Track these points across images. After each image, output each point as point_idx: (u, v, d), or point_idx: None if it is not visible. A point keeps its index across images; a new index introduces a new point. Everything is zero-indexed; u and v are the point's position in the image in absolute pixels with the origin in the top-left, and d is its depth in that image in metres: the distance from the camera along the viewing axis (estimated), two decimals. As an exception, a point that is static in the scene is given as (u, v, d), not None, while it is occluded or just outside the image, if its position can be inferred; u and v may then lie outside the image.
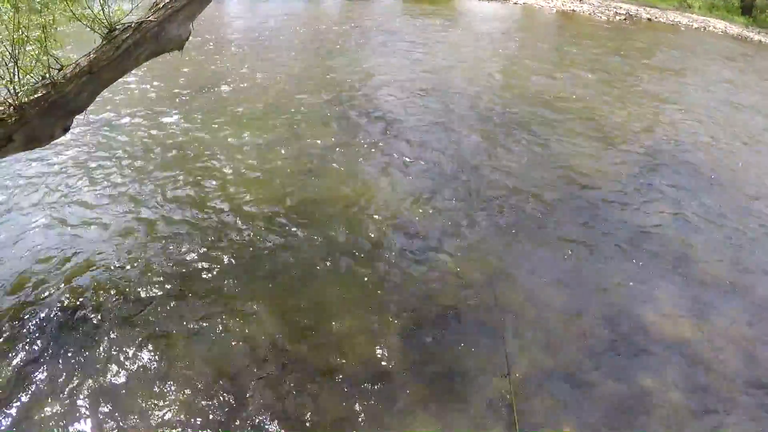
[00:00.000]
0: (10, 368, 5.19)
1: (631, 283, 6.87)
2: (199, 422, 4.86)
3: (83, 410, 4.87)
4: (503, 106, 11.79)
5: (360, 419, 4.99)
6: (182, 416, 4.90)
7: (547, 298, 6.53)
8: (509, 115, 11.35)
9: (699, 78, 15.52)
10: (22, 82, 5.08)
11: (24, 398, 4.93)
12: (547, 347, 5.87)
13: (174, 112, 10.36)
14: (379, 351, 5.70)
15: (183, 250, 6.83)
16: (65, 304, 5.89)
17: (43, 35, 4.93)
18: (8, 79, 4.96)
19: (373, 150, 9.61)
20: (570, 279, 6.88)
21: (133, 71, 6.48)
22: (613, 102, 12.64)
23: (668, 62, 16.72)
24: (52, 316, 5.76)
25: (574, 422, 5.09)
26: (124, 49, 5.58)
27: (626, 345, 6.02)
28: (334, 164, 9.03)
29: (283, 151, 9.27)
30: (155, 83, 11.52)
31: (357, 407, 5.10)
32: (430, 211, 7.95)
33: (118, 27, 5.51)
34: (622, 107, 12.38)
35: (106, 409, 4.88)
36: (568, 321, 6.26)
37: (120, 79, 6.21)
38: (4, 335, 5.50)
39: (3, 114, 5.15)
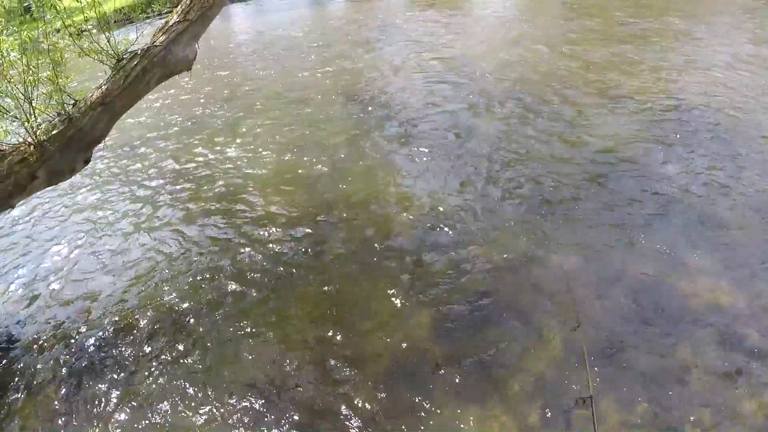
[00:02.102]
0: (62, 384, 5.42)
1: (661, 253, 6.69)
2: (235, 419, 4.98)
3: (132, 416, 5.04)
4: (519, 87, 11.61)
5: (397, 410, 4.98)
6: (221, 412, 5.04)
7: (579, 275, 6.39)
8: (526, 95, 11.17)
9: (716, 36, 15.06)
10: (38, 120, 5.19)
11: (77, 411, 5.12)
12: (582, 324, 5.79)
13: (195, 124, 10.49)
14: (413, 342, 5.66)
15: (214, 255, 6.99)
16: (107, 323, 6.06)
17: (54, 74, 5.02)
18: (25, 119, 5.07)
19: (393, 143, 9.59)
20: (600, 254, 6.73)
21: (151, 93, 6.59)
22: (628, 70, 12.36)
23: (684, 22, 16.30)
24: (95, 334, 5.97)
25: (610, 396, 5.01)
26: (133, 77, 5.68)
27: (660, 316, 5.85)
28: (356, 160, 9.06)
29: (303, 152, 9.34)
30: (183, 97, 11.69)
31: (394, 399, 5.08)
32: (455, 199, 7.87)
33: (125, 56, 5.59)
34: (638, 74, 12.08)
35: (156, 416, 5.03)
36: (600, 296, 6.13)
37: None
38: (57, 352, 5.72)
39: (25, 153, 5.29)
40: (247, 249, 7.07)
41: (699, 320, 5.78)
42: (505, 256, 6.77)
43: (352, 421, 4.93)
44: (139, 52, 5.65)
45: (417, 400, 5.09)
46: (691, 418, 4.81)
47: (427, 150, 9.28)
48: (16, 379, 5.60)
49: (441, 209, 7.69)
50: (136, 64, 5.63)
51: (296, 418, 4.98)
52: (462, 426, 4.84)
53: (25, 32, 4.81)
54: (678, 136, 9.33)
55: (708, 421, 4.77)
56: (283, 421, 4.96)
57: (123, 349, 5.81)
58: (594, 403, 3.86)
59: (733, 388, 5.06)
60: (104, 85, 5.59)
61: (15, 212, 8.04)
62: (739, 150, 8.81)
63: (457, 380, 5.27)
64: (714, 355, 5.38)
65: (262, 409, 5.07)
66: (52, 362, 5.74)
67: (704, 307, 5.93)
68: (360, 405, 5.07)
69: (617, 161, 8.61)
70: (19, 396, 5.40)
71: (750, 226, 7.11)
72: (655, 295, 6.10)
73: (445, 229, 7.30)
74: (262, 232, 7.37)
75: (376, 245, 7.05)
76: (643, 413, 4.86)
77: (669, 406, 4.92)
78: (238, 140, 9.91)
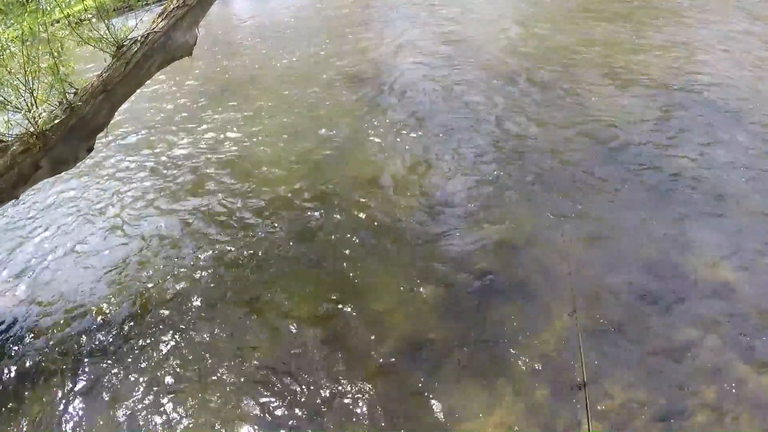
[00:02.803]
0: (79, 367, 5.52)
1: (667, 230, 6.66)
2: (244, 406, 5.02)
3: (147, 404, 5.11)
4: (523, 66, 11.47)
5: (405, 392, 5.03)
6: (227, 401, 5.07)
7: (585, 254, 6.39)
8: (530, 74, 11.03)
9: (721, 12, 14.88)
10: (40, 110, 5.17)
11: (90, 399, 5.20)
12: (588, 303, 5.78)
13: (192, 112, 10.45)
14: (419, 323, 5.70)
15: (216, 239, 7.03)
16: (113, 314, 6.11)
17: (55, 63, 5.00)
18: (26, 110, 5.06)
19: (396, 123, 9.55)
20: (606, 233, 6.70)
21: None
22: (634, 48, 12.21)
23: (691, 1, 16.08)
24: (100, 326, 6.01)
25: (618, 376, 5.02)
26: (134, 64, 5.65)
27: (667, 294, 5.85)
28: (359, 141, 9.04)
29: (306, 134, 9.33)
30: (187, 83, 11.64)
31: (402, 380, 5.13)
32: (459, 179, 7.85)
33: (125, 43, 5.56)
34: (644, 52, 11.95)
35: (163, 400, 5.12)
36: (607, 275, 6.12)
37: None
38: (70, 341, 5.80)
39: (28, 143, 5.28)
40: (250, 233, 7.09)
41: (704, 300, 5.77)
42: (510, 235, 6.77)
43: (359, 402, 4.97)
44: (139, 38, 5.62)
45: (423, 380, 5.13)
46: (696, 397, 4.82)
47: (430, 130, 9.24)
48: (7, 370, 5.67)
49: (445, 189, 7.68)
50: (136, 51, 5.61)
51: (302, 400, 5.02)
52: (468, 406, 4.88)
53: (25, 23, 4.77)
54: (684, 114, 9.25)
55: (713, 400, 4.78)
56: (289, 404, 5.00)
57: (121, 336, 5.84)
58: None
59: (738, 367, 5.07)
60: (105, 72, 5.56)
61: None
62: (745, 128, 8.74)
63: (463, 360, 5.30)
64: (719, 334, 5.38)
65: (267, 393, 5.11)
66: (50, 351, 5.79)
67: (709, 287, 5.92)
68: (367, 386, 5.10)
69: (623, 140, 8.55)
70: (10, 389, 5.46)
71: (756, 206, 7.06)
72: (661, 275, 6.09)
73: (450, 209, 7.29)
74: (264, 216, 7.39)
75: (380, 226, 7.06)
76: (647, 392, 4.88)
77: (673, 384, 4.94)
78: (239, 123, 9.87)
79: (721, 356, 5.18)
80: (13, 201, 5.92)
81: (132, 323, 5.97)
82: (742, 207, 7.03)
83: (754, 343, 5.28)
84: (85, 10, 5.48)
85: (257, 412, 4.96)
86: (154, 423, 4.97)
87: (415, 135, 9.13)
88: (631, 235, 6.66)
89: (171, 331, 5.82)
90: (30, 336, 5.97)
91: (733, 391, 4.85)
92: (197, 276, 6.50)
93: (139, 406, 5.11)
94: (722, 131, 8.67)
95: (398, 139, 9.03)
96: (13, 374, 5.58)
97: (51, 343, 5.85)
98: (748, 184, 7.43)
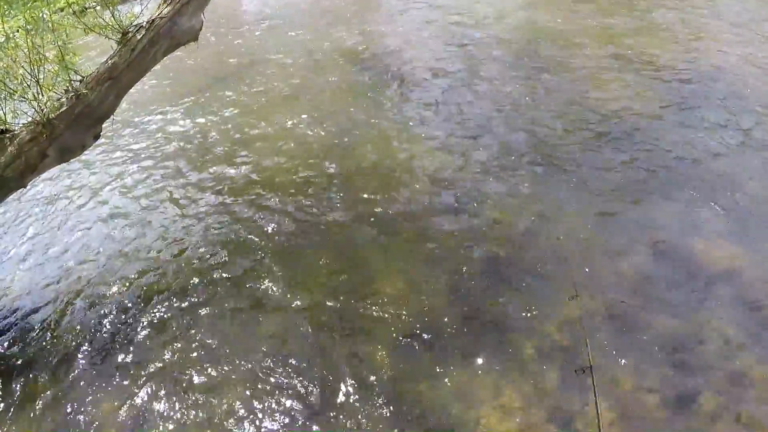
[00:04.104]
0: (93, 350, 5.58)
1: (675, 215, 6.69)
2: (251, 391, 5.08)
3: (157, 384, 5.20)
4: (529, 50, 11.33)
5: (414, 374, 5.10)
6: (234, 387, 5.13)
7: (593, 238, 6.44)
8: (537, 58, 10.90)
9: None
10: (46, 98, 5.14)
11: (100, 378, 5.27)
12: (596, 288, 5.81)
13: (193, 99, 10.36)
14: (427, 307, 5.75)
15: (221, 224, 7.02)
16: (129, 293, 6.15)
17: (60, 51, 4.95)
18: (32, 98, 5.03)
19: (402, 106, 9.46)
20: (615, 217, 6.74)
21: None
22: (638, 30, 12.07)
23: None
24: (115, 306, 6.05)
25: (628, 361, 5.08)
26: (140, 50, 5.57)
27: (676, 278, 5.90)
28: (365, 124, 8.96)
29: (311, 117, 9.23)
30: (181, 75, 11.51)
31: (410, 364, 5.20)
32: (467, 163, 7.84)
33: (130, 30, 5.50)
34: (653, 35, 11.81)
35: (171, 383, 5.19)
36: (615, 259, 6.17)
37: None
38: (82, 322, 5.86)
39: (34, 132, 5.26)
40: (256, 218, 7.07)
41: (714, 285, 5.82)
42: (518, 219, 6.80)
43: (370, 385, 5.05)
44: (144, 24, 5.53)
45: (433, 364, 5.20)
46: (706, 382, 4.88)
47: (436, 113, 9.17)
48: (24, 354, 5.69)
49: (453, 173, 7.67)
50: (141, 37, 5.52)
51: (313, 383, 5.09)
52: (476, 389, 4.96)
53: (29, 12, 4.72)
54: (692, 97, 9.19)
55: (722, 385, 4.84)
56: (300, 387, 5.07)
57: (132, 321, 5.86)
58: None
59: (748, 353, 5.11)
60: (111, 59, 5.49)
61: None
62: (755, 111, 8.69)
63: (472, 343, 5.37)
64: (729, 319, 5.43)
65: (274, 377, 5.17)
66: (67, 332, 5.83)
67: (719, 272, 5.96)
68: (377, 369, 5.18)
69: (631, 124, 8.52)
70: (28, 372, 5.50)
71: (765, 189, 7.06)
72: (670, 259, 6.13)
73: (458, 193, 7.29)
74: (269, 201, 7.34)
75: (388, 210, 7.06)
76: (657, 377, 4.94)
77: (683, 370, 5.01)
78: (242, 107, 9.76)
79: (730, 342, 5.23)
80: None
81: (134, 309, 5.99)
82: (748, 190, 7.03)
83: (763, 330, 5.33)
84: (90, -2, 5.42)
85: (265, 397, 5.02)
86: (154, 409, 5.02)
87: (420, 118, 9.06)
88: (637, 218, 6.68)
89: (175, 316, 5.85)
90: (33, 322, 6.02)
91: (741, 376, 4.91)
92: (201, 261, 6.51)
93: (141, 392, 5.17)
94: (730, 114, 8.63)
95: (403, 122, 8.96)
96: (18, 359, 5.62)
97: (52, 329, 5.88)
98: (754, 168, 7.43)
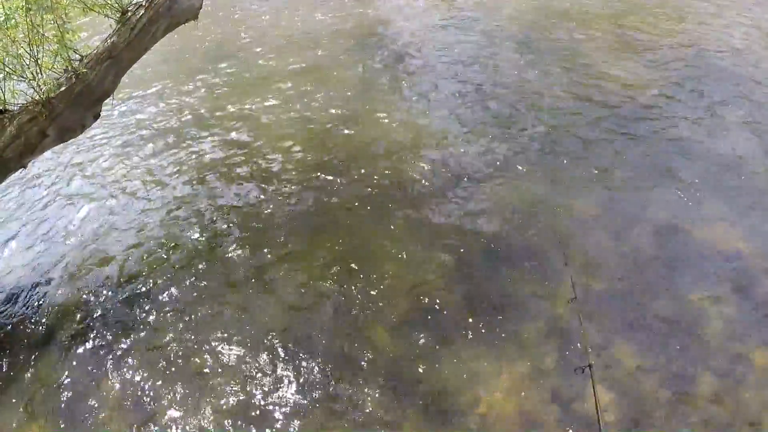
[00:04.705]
0: (100, 328, 5.61)
1: (676, 199, 6.69)
2: (254, 371, 5.11)
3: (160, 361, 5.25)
4: (534, 32, 11.20)
5: (415, 356, 5.13)
6: (235, 368, 5.16)
7: (594, 221, 6.45)
8: (539, 40, 10.77)
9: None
10: (45, 78, 5.09)
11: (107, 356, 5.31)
12: (596, 270, 5.84)
13: (198, 78, 10.26)
14: (428, 287, 5.78)
15: (225, 204, 7.01)
16: (132, 272, 6.16)
17: (59, 31, 4.89)
18: (31, 78, 4.98)
19: (405, 87, 9.39)
20: (616, 199, 6.73)
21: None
22: (645, 12, 11.93)
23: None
24: (106, 284, 6.07)
25: (629, 344, 5.12)
26: (139, 29, 5.52)
27: (676, 262, 5.92)
28: (368, 104, 8.89)
29: (313, 97, 9.16)
30: (177, 53, 11.38)
31: (411, 345, 5.23)
32: (469, 145, 7.79)
33: (130, 8, 5.44)
34: (656, 17, 11.68)
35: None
36: (616, 242, 6.18)
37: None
38: (86, 298, 5.91)
39: (34, 112, 5.21)
40: (260, 198, 7.05)
41: (714, 267, 5.84)
42: (521, 200, 6.81)
43: (371, 365, 5.09)
44: (144, 3, 5.46)
45: (435, 343, 5.24)
46: (705, 364, 4.91)
47: (440, 94, 9.11)
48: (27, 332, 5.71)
49: (456, 153, 7.65)
50: (141, 16, 5.46)
51: (315, 363, 5.13)
52: (477, 370, 5.00)
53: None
54: (695, 80, 9.12)
55: (723, 367, 4.87)
56: (301, 367, 5.11)
57: (139, 300, 5.87)
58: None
59: (748, 335, 5.14)
60: (110, 38, 5.43)
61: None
62: (756, 95, 8.63)
63: (473, 324, 5.41)
64: (729, 301, 5.46)
65: (277, 357, 5.21)
66: (71, 314, 5.82)
67: (720, 254, 5.97)
68: (379, 349, 5.22)
69: (634, 105, 8.49)
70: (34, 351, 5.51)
71: (765, 169, 7.05)
72: (672, 242, 6.15)
73: (461, 173, 7.28)
74: (273, 181, 7.32)
75: (391, 191, 7.06)
76: (657, 358, 4.97)
77: (683, 351, 5.04)
78: (245, 86, 9.68)
79: (730, 324, 5.26)
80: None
81: (138, 289, 6.00)
82: (751, 171, 7.02)
83: (763, 312, 5.36)
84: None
85: (262, 377, 5.06)
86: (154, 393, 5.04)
87: (423, 99, 8.99)
88: (639, 200, 6.67)
89: (177, 295, 5.87)
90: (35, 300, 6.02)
91: (741, 359, 4.95)
92: (199, 239, 6.52)
93: (135, 372, 5.20)
94: (734, 96, 8.57)
95: (406, 103, 8.91)
96: (16, 340, 5.63)
97: (55, 308, 5.89)
98: (759, 149, 7.41)
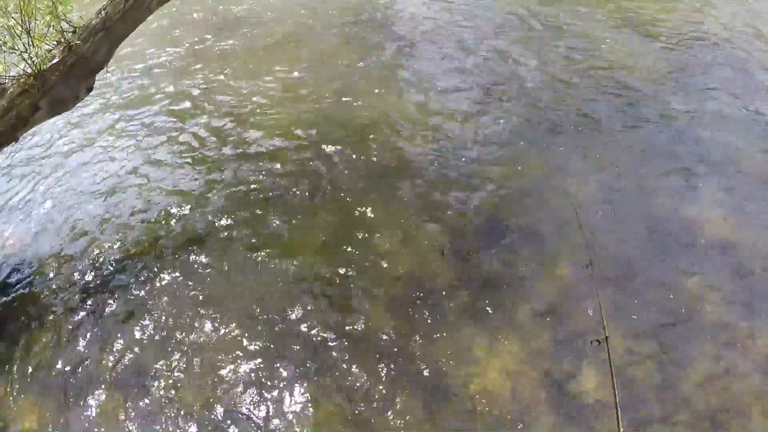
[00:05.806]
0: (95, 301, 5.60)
1: (676, 183, 6.69)
2: (245, 346, 5.13)
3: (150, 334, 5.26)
4: (534, 13, 11.04)
5: (409, 335, 5.16)
6: (230, 344, 5.16)
7: (591, 204, 6.45)
8: (540, 19, 10.64)
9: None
10: (37, 50, 5.00)
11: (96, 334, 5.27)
12: (591, 253, 5.84)
13: (192, 52, 10.09)
14: (423, 267, 5.77)
15: (219, 181, 6.93)
16: (125, 248, 6.09)
17: (52, 1, 4.79)
18: (23, 50, 4.89)
19: (401, 67, 9.20)
20: (612, 184, 6.72)
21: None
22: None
23: None
24: (113, 259, 6.03)
25: (621, 328, 5.16)
26: (134, 0, 5.42)
27: (673, 248, 5.95)
28: (364, 82, 8.75)
29: (309, 75, 8.99)
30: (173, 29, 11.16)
31: (405, 324, 5.25)
32: (466, 124, 7.73)
33: (124, -21, 5.32)
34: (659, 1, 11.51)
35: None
36: (613, 225, 6.20)
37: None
38: (81, 274, 5.88)
39: (25, 85, 5.13)
40: (255, 175, 6.96)
41: (711, 253, 5.87)
42: (518, 180, 6.78)
43: (366, 344, 5.11)
44: (138, -26, 5.36)
45: (430, 323, 5.26)
46: (701, 349, 4.96)
47: (437, 72, 8.96)
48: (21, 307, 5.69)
49: (454, 132, 7.58)
50: (136, -13, 5.37)
51: (311, 342, 5.14)
52: (471, 349, 5.05)
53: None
54: (696, 65, 9.03)
55: (717, 352, 4.93)
56: (296, 347, 5.11)
57: (129, 275, 5.83)
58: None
59: (743, 321, 5.19)
60: (104, 10, 5.31)
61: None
62: (757, 81, 8.58)
63: (469, 303, 5.43)
64: (725, 287, 5.50)
65: (275, 331, 5.23)
66: (60, 289, 5.80)
67: (716, 240, 5.99)
68: (374, 328, 5.23)
69: (634, 89, 8.40)
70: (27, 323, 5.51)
71: (763, 160, 7.05)
72: (669, 227, 6.16)
73: (458, 152, 7.23)
74: (268, 158, 7.22)
75: (387, 169, 7.00)
76: (653, 343, 5.02)
77: (679, 336, 5.09)
78: (239, 62, 9.52)
79: (726, 310, 5.31)
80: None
81: (135, 266, 5.96)
82: (749, 162, 7.01)
83: (759, 298, 5.42)
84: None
85: (258, 355, 5.07)
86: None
87: (420, 77, 8.84)
88: (638, 186, 6.67)
89: (171, 271, 5.84)
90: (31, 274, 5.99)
91: (737, 344, 5.00)
92: (198, 215, 6.46)
93: (136, 345, 5.22)
94: (736, 84, 8.52)
95: (403, 81, 8.76)
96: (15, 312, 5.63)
97: (54, 281, 5.87)
98: (756, 137, 7.40)
